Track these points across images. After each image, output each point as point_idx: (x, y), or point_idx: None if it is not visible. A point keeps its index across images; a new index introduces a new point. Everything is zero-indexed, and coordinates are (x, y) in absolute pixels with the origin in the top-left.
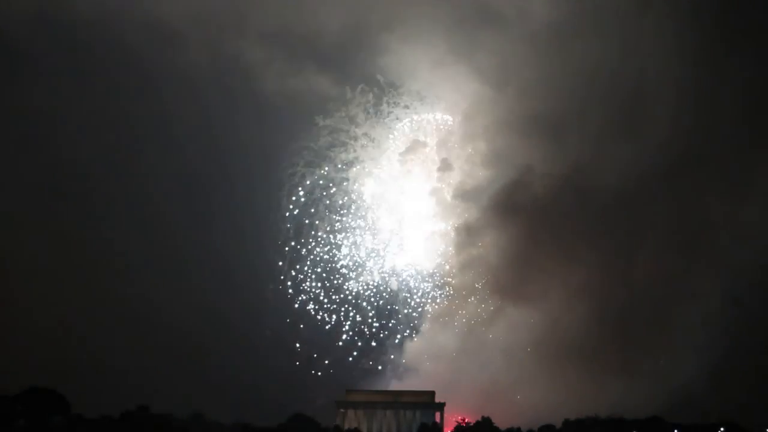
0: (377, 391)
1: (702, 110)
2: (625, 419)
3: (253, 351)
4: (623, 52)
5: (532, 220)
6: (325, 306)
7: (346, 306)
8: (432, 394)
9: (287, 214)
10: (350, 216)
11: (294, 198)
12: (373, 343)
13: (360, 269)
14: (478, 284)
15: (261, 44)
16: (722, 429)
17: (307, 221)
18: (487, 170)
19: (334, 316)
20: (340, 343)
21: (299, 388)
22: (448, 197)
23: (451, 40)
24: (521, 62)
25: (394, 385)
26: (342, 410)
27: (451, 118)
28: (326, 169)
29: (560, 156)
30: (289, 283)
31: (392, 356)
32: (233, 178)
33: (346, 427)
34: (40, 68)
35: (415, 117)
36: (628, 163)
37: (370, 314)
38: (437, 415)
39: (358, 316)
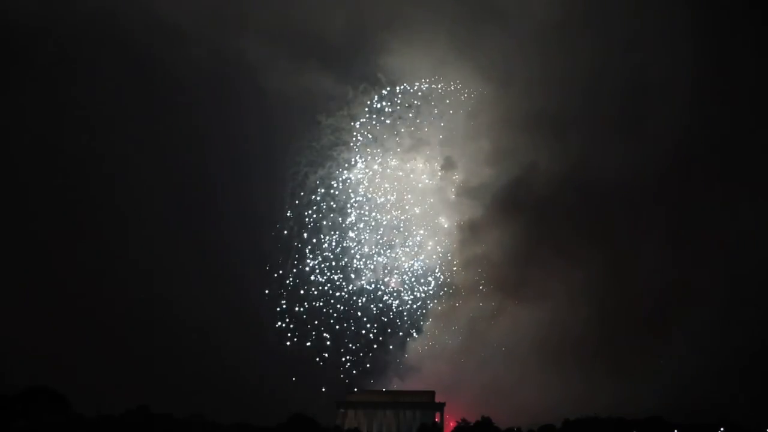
0: (377, 391)
1: (704, 108)
2: (625, 419)
3: (253, 351)
4: (626, 49)
5: (536, 218)
6: (328, 304)
7: (349, 304)
8: (432, 394)
9: (289, 213)
10: (352, 215)
11: (296, 197)
12: (375, 342)
13: (363, 268)
14: (480, 282)
15: (263, 43)
16: (722, 429)
17: (309, 220)
18: (490, 168)
19: (335, 315)
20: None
21: (299, 388)
22: (452, 195)
23: (453, 38)
24: (524, 60)
25: (396, 385)
26: (342, 410)
27: (453, 116)
28: (328, 168)
29: (564, 154)
30: (290, 282)
31: (394, 355)
32: (235, 177)
33: (346, 427)
34: (40, 67)
35: (418, 115)
36: (631, 161)
37: (373, 313)
38: (437, 415)
39: (360, 314)
